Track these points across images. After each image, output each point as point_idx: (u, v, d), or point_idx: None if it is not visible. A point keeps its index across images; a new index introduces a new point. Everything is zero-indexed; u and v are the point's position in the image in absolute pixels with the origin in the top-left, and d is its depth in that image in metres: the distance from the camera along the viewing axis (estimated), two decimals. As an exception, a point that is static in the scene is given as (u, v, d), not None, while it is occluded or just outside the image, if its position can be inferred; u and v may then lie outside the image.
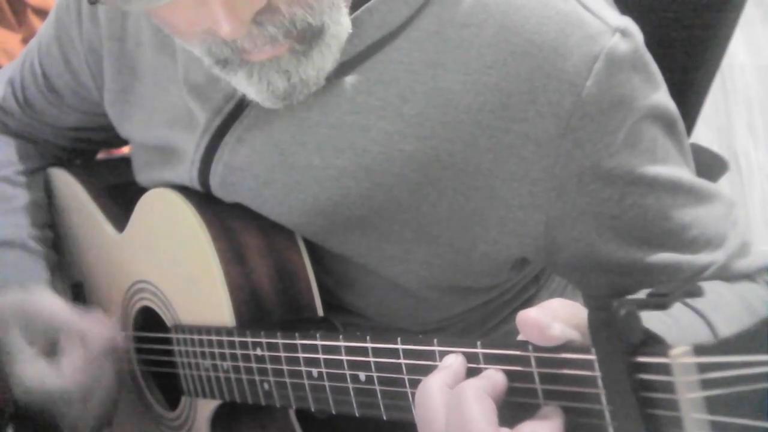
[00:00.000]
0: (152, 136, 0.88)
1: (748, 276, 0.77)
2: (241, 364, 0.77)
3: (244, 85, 0.70)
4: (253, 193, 0.80)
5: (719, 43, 1.13)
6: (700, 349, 0.46)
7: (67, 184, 1.02)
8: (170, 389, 0.90)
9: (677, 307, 0.69)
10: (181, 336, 0.84)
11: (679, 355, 0.47)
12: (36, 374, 0.86)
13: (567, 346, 0.53)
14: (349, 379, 0.67)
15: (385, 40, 0.72)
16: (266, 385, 0.75)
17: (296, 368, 0.72)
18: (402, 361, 0.63)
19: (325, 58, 0.69)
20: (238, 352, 0.77)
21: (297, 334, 0.71)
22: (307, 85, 0.70)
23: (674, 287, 0.50)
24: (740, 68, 2.23)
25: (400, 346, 0.63)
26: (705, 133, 2.09)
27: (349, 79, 0.73)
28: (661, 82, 0.74)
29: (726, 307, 0.71)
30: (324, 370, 0.69)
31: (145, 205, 0.89)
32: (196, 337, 0.81)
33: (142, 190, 0.90)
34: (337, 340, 0.68)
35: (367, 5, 0.72)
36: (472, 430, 0.52)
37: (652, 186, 0.72)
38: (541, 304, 0.54)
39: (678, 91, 0.78)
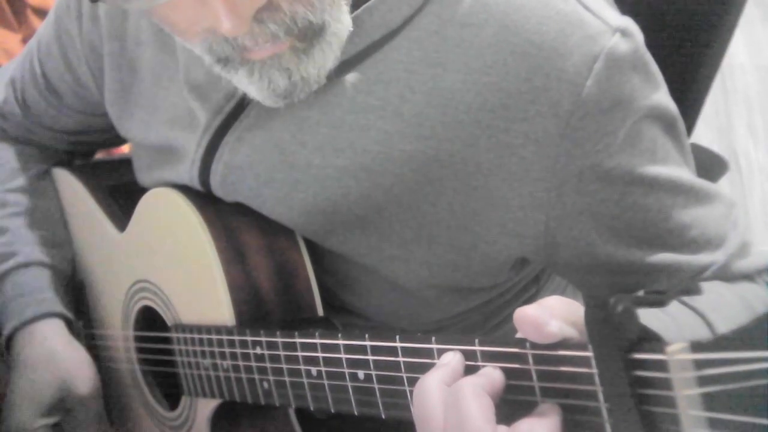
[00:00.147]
0: (153, 136, 0.88)
1: (748, 276, 0.77)
2: (240, 363, 0.77)
3: (245, 83, 0.70)
4: (253, 193, 0.80)
5: (719, 43, 1.13)
6: (696, 346, 0.46)
7: (68, 184, 1.02)
8: (170, 389, 0.90)
9: (676, 307, 0.69)
10: (181, 335, 0.84)
11: (676, 352, 0.47)
12: (29, 428, 0.90)
13: (564, 344, 0.53)
14: (347, 378, 0.67)
15: (385, 39, 0.72)
16: (266, 384, 0.75)
17: (295, 367, 0.72)
18: (400, 359, 0.63)
19: (326, 56, 0.69)
20: (238, 351, 0.77)
21: (296, 333, 0.71)
22: (308, 84, 0.70)
23: (672, 285, 0.51)
24: (740, 68, 2.23)
25: (398, 344, 0.63)
26: (705, 133, 2.09)
27: (349, 79, 0.73)
28: (661, 82, 0.74)
29: (725, 307, 0.71)
30: (323, 369, 0.69)
31: (145, 204, 0.89)
32: (196, 336, 0.81)
33: (143, 190, 0.90)
34: (336, 338, 0.68)
35: (367, 4, 0.72)
36: (469, 427, 0.52)
37: (652, 186, 0.72)
38: (539, 302, 0.54)
39: (678, 91, 0.78)
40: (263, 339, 0.74)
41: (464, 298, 0.84)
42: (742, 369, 0.43)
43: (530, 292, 0.95)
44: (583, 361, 0.51)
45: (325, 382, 0.70)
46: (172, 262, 0.85)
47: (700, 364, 0.45)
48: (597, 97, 0.68)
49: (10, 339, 0.94)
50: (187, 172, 0.83)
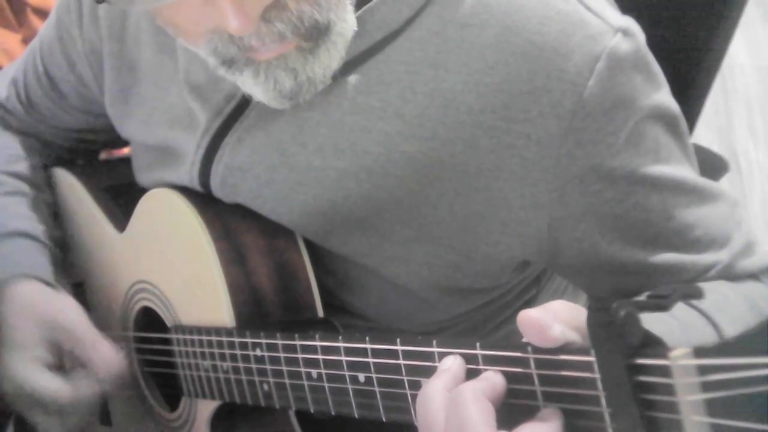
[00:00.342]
0: (152, 137, 0.87)
1: (753, 276, 0.77)
2: (240, 364, 0.77)
3: (250, 84, 0.70)
4: (253, 194, 0.80)
5: (719, 43, 1.13)
6: (700, 351, 0.46)
7: (68, 184, 1.02)
8: (170, 390, 0.90)
9: (681, 309, 0.68)
10: (181, 336, 0.84)
11: (679, 357, 0.47)
12: (31, 376, 0.85)
13: (566, 348, 0.53)
14: (348, 380, 0.67)
15: (387, 40, 0.72)
16: (266, 386, 0.75)
17: (295, 369, 0.72)
18: (401, 362, 0.63)
19: (332, 55, 0.69)
20: (238, 352, 0.77)
21: (296, 335, 0.71)
22: (314, 84, 0.70)
23: (674, 289, 0.50)
24: (740, 68, 2.23)
25: (399, 347, 0.63)
26: (705, 133, 2.09)
27: (350, 80, 0.73)
28: (663, 81, 0.73)
29: (731, 308, 0.71)
30: (323, 371, 0.69)
31: (145, 205, 0.89)
32: (195, 337, 0.81)
33: (142, 191, 0.90)
34: (337, 340, 0.68)
35: (368, 5, 0.71)
36: None
37: (655, 186, 0.72)
38: (543, 305, 0.54)
39: (678, 92, 0.77)
40: (263, 341, 0.74)
41: (465, 299, 0.84)
42: (745, 375, 0.43)
43: (531, 293, 0.95)
44: (586, 366, 0.51)
45: (326, 384, 0.69)
46: (171, 263, 0.85)
47: (703, 370, 0.45)
48: (599, 97, 0.68)
49: None
50: (187, 173, 0.83)
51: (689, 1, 1.12)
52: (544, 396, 0.54)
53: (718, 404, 0.45)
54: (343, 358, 0.67)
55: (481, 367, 0.57)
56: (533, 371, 0.54)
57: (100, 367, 0.84)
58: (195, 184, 0.83)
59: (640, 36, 0.71)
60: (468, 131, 0.71)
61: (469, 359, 0.58)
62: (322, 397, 0.70)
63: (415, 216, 0.75)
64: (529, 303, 0.95)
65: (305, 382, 0.71)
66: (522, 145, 0.70)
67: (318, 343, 0.69)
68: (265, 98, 0.71)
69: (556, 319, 0.53)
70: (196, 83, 0.81)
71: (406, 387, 0.63)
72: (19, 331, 0.87)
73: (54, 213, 1.02)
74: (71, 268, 1.03)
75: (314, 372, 0.70)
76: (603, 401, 0.51)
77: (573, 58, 0.68)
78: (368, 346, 0.65)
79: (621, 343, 0.49)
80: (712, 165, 1.23)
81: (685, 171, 0.74)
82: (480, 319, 0.90)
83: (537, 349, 0.54)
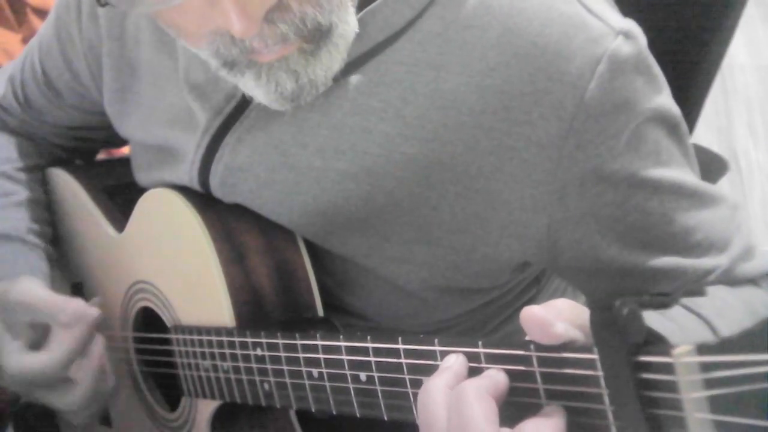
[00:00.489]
0: (152, 136, 0.87)
1: (752, 280, 0.77)
2: (241, 364, 0.77)
3: (252, 86, 0.70)
4: (253, 194, 0.80)
5: (719, 43, 1.13)
6: (703, 348, 0.46)
7: (66, 184, 1.02)
8: (170, 390, 0.90)
9: (681, 313, 0.68)
10: (180, 336, 0.83)
11: (682, 354, 0.47)
12: (17, 364, 0.85)
13: (569, 346, 0.53)
14: (349, 380, 0.67)
15: (388, 41, 0.72)
16: (266, 386, 0.75)
17: (296, 368, 0.72)
18: (403, 360, 0.63)
19: (333, 57, 0.69)
20: (238, 352, 0.77)
21: (297, 335, 0.71)
22: (315, 86, 0.70)
23: (676, 288, 0.50)
24: (740, 68, 2.23)
25: (401, 346, 0.63)
26: (705, 133, 2.10)
27: (351, 81, 0.73)
28: (663, 84, 0.73)
29: (730, 312, 0.71)
30: (324, 371, 0.69)
31: (144, 205, 0.89)
32: (195, 337, 0.81)
33: (141, 191, 0.90)
34: (338, 340, 0.68)
35: (370, 7, 0.71)
36: (472, 430, 0.52)
37: (655, 189, 0.72)
38: (546, 303, 0.54)
39: (678, 92, 0.77)
40: (264, 340, 0.74)
41: (465, 299, 0.83)
42: (748, 372, 0.43)
43: (531, 293, 0.95)
44: (589, 364, 0.51)
45: (327, 383, 0.69)
46: (171, 263, 0.84)
47: (706, 367, 0.45)
48: (600, 99, 0.68)
49: None
50: (187, 173, 0.83)
51: (689, 1, 1.12)
52: (546, 394, 0.54)
53: (721, 401, 0.45)
54: (345, 357, 0.67)
55: (483, 365, 0.57)
56: (536, 369, 0.54)
57: (67, 321, 0.83)
58: (194, 183, 0.83)
59: (642, 39, 0.71)
60: (468, 132, 0.71)
61: (471, 357, 0.58)
62: (323, 396, 0.70)
63: (415, 217, 0.75)
64: (529, 303, 0.95)
65: (306, 382, 0.71)
66: (522, 146, 0.70)
67: (319, 343, 0.69)
68: (266, 100, 0.71)
69: (559, 317, 0.53)
70: (196, 83, 0.80)
71: (408, 386, 0.63)
72: None
73: (47, 211, 1.02)
74: (70, 269, 1.03)
75: (315, 371, 0.70)
76: (606, 399, 0.51)
77: (574, 60, 0.68)
78: (370, 345, 0.65)
79: (624, 340, 0.49)
80: (712, 165, 1.23)
81: (685, 174, 0.74)
82: (480, 319, 0.90)
83: (540, 347, 0.54)
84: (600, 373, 0.51)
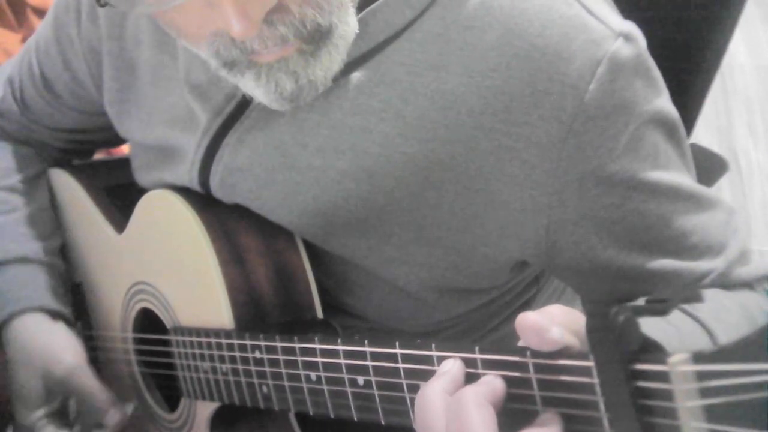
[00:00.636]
0: (152, 136, 0.87)
1: (748, 284, 0.77)
2: (239, 366, 0.77)
3: (252, 86, 0.70)
4: (253, 194, 0.80)
5: (719, 43, 1.13)
6: (699, 357, 0.46)
7: (66, 185, 1.02)
8: (170, 391, 0.90)
9: (678, 317, 0.69)
10: (180, 338, 0.84)
11: (678, 363, 0.47)
12: (23, 421, 0.90)
13: (565, 353, 0.53)
14: (347, 383, 0.67)
15: (388, 41, 0.72)
16: (265, 389, 0.75)
17: (295, 372, 0.72)
18: (400, 365, 0.63)
19: (333, 58, 0.69)
20: (237, 354, 0.77)
21: (296, 338, 0.71)
22: (315, 86, 0.70)
23: (673, 293, 0.50)
24: (740, 68, 2.23)
25: (398, 351, 0.63)
26: (705, 133, 2.09)
27: (351, 81, 0.73)
28: (663, 87, 0.73)
29: (727, 316, 0.71)
30: (322, 374, 0.69)
31: (144, 206, 0.89)
32: (195, 339, 0.81)
33: (141, 191, 0.90)
34: (336, 344, 0.68)
35: (371, 7, 0.71)
36: None
37: (653, 192, 0.72)
38: (540, 309, 0.54)
39: (678, 92, 0.77)
40: (262, 343, 0.74)
41: (464, 300, 0.84)
42: (744, 381, 0.43)
43: (530, 294, 0.95)
44: (585, 371, 0.51)
45: (325, 387, 0.69)
46: (170, 265, 0.85)
47: (702, 376, 0.45)
48: (599, 101, 0.68)
49: None
50: (187, 173, 0.83)
51: (689, 1, 1.12)
52: (542, 401, 0.54)
53: (716, 410, 0.45)
54: (342, 361, 0.67)
55: (479, 371, 0.57)
56: (532, 376, 0.54)
57: (111, 425, 0.89)
58: (194, 184, 0.83)
59: (642, 41, 0.71)
60: (468, 133, 0.71)
61: (468, 363, 0.58)
62: (321, 399, 0.70)
63: (415, 217, 0.75)
64: (528, 303, 0.95)
65: (304, 385, 0.71)
66: (522, 147, 0.70)
67: (317, 346, 0.69)
68: (266, 100, 0.71)
69: (555, 323, 0.53)
70: (197, 83, 0.80)
71: (405, 390, 0.63)
72: (21, 383, 0.91)
73: (54, 219, 1.03)
74: (70, 269, 1.03)
75: (313, 374, 0.70)
76: (602, 406, 0.51)
77: (574, 62, 0.68)
78: (367, 349, 0.65)
79: (620, 348, 0.49)
80: (711, 165, 1.22)
81: (683, 178, 0.75)
82: (479, 320, 0.90)
83: (536, 354, 0.54)
84: (596, 380, 0.51)
